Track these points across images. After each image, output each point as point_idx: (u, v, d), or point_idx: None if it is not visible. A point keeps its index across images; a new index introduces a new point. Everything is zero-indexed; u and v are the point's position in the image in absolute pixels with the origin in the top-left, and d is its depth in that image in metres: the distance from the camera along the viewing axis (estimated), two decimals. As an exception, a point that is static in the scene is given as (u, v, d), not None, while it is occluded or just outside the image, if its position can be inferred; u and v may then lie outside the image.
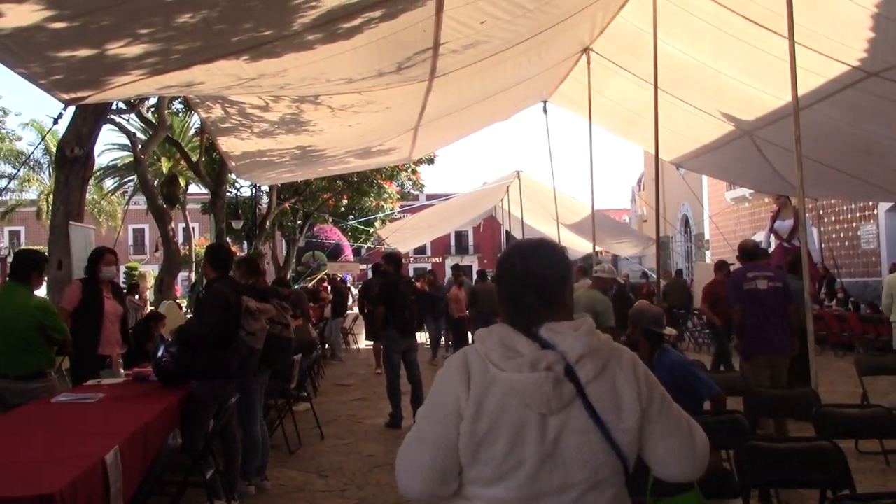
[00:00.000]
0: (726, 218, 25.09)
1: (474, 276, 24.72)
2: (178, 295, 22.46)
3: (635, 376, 2.02)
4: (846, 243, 19.88)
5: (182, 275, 29.00)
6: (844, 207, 19.85)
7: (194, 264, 31.32)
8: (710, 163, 13.55)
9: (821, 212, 19.56)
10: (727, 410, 4.96)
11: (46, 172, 35.58)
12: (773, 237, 14.19)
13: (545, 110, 13.85)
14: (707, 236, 27.49)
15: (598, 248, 17.71)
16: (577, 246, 22.29)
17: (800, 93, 6.15)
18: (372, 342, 15.09)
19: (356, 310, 20.38)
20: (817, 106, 8.57)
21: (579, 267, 12.15)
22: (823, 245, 18.94)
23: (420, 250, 52.70)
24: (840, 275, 18.38)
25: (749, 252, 7.90)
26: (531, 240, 2.33)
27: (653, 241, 15.37)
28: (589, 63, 10.45)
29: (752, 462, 3.93)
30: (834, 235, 20.29)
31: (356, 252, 39.55)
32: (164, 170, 26.93)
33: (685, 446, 2.05)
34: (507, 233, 27.80)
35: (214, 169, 19.64)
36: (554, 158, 16.29)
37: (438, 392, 2.03)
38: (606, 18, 8.98)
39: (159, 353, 5.82)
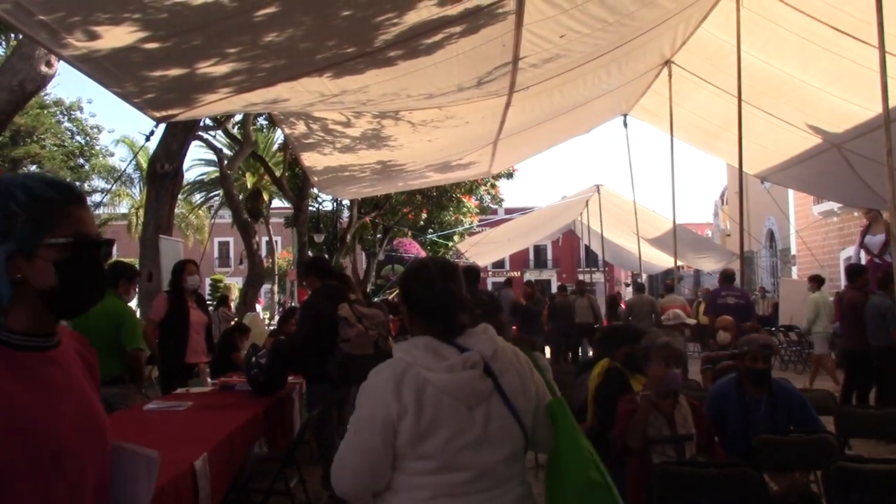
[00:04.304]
0: (814, 233, 24.34)
1: (553, 291, 24.53)
2: (262, 306, 22.87)
3: (531, 371, 2.47)
4: (941, 259, 19.10)
5: (265, 287, 29.58)
6: (939, 222, 19.08)
7: (277, 277, 31.89)
8: (797, 176, 13.22)
9: (914, 226, 18.86)
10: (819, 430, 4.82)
11: (137, 187, 36.79)
12: (863, 252, 13.73)
13: (625, 124, 13.75)
14: (793, 251, 26.67)
15: (679, 263, 17.42)
16: (658, 261, 21.95)
17: (891, 104, 5.95)
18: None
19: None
20: (910, 117, 8.29)
21: (666, 284, 12.64)
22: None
23: (498, 264, 52.51)
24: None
25: (726, 276, 11.22)
26: (437, 259, 2.77)
27: (736, 256, 15.03)
28: (670, 76, 10.34)
29: (840, 484, 3.81)
30: (928, 251, 19.52)
31: (435, 266, 39.65)
32: (249, 185, 27.54)
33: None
34: (587, 247, 27.53)
35: (297, 184, 20.03)
36: (634, 172, 16.23)
37: (367, 404, 2.32)
38: (688, 30, 8.87)
39: (253, 368, 6.00)
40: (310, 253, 22.63)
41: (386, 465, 2.28)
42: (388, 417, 2.24)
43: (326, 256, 25.79)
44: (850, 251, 20.12)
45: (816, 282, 13.60)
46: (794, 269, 25.39)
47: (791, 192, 23.87)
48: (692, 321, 11.61)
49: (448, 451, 2.25)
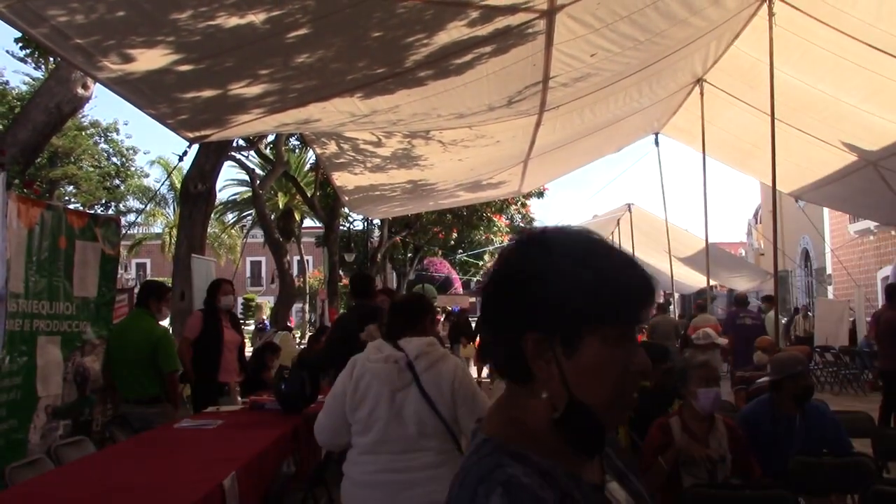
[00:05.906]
0: (849, 252, 23.99)
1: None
2: (292, 325, 22.99)
3: (453, 372, 3.34)
4: (981, 278, 18.69)
5: (296, 306, 29.71)
6: (979, 241, 18.72)
7: (308, 296, 32.02)
8: (832, 195, 13.05)
9: (953, 245, 18.52)
10: (854, 453, 4.70)
11: (171, 207, 37.12)
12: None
13: (657, 142, 13.65)
14: (829, 271, 26.30)
15: (713, 283, 17.22)
16: (692, 280, 21.73)
17: (928, 121, 5.88)
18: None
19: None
20: (947, 134, 8.17)
21: (697, 304, 12.98)
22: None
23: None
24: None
25: (740, 300, 13.04)
26: (408, 295, 3.64)
27: (770, 275, 14.84)
28: (702, 94, 10.26)
29: (879, 508, 3.72)
30: (968, 270, 19.13)
31: (465, 285, 39.73)
32: (281, 204, 27.71)
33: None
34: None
35: (328, 203, 20.11)
36: (666, 191, 16.03)
37: (338, 382, 3.43)
38: (720, 48, 8.81)
39: (281, 385, 6.00)
40: (341, 272, 22.74)
41: (342, 424, 3.37)
42: (344, 390, 3.35)
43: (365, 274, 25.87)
44: (887, 270, 19.81)
45: (770, 302, 14.71)
46: (830, 289, 25.04)
47: (826, 210, 23.59)
48: (723, 341, 11.46)
49: (368, 420, 3.28)
